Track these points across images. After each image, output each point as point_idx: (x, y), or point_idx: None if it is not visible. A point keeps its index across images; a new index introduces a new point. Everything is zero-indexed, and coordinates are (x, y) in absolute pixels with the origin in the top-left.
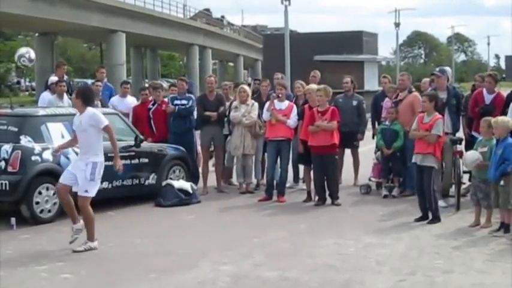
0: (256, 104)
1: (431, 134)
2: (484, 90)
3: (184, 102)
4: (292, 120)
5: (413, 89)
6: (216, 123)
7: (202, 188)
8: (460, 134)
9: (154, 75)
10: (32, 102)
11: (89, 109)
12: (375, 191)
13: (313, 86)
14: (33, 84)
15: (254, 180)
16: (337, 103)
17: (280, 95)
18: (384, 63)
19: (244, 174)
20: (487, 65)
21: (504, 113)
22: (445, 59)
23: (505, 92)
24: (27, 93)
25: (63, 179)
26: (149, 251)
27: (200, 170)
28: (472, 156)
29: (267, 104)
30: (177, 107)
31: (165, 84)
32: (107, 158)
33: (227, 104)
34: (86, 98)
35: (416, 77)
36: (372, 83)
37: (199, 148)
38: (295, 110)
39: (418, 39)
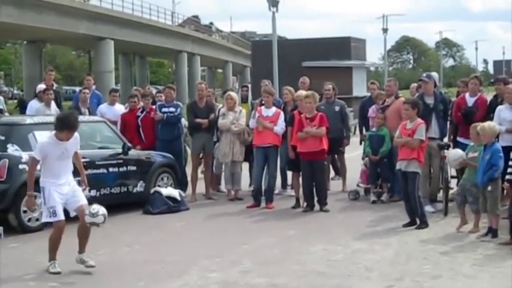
0: (244, 111)
1: (413, 139)
2: (467, 95)
3: (172, 109)
4: (279, 126)
5: (400, 95)
6: (207, 130)
7: (191, 195)
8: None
9: (143, 82)
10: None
11: (75, 134)
12: (363, 197)
13: (302, 93)
14: (22, 92)
15: (243, 187)
16: (320, 110)
17: (264, 102)
18: (372, 68)
19: (232, 181)
20: (476, 69)
21: (488, 118)
22: (434, 64)
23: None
24: (15, 101)
25: (62, 215)
26: (138, 259)
27: (189, 177)
28: (454, 154)
29: (253, 112)
30: (165, 114)
31: (154, 91)
32: (95, 166)
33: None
34: (69, 125)
35: (405, 82)
36: (360, 89)
37: None
38: (282, 116)
39: (406, 44)
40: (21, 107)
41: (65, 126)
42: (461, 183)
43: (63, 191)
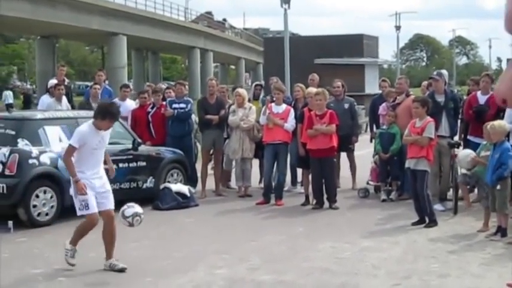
0: (253, 108)
1: (422, 137)
2: (478, 93)
3: (182, 105)
4: (290, 123)
5: (411, 93)
6: (217, 127)
7: (201, 191)
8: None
9: (156, 78)
10: (33, 105)
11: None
12: (373, 195)
13: (313, 90)
14: (35, 87)
15: (252, 184)
16: (329, 108)
17: (276, 99)
18: (385, 66)
19: (243, 178)
20: (489, 68)
21: (499, 116)
22: (447, 62)
23: None
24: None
25: (95, 207)
26: (146, 255)
27: (199, 173)
28: (463, 154)
29: (263, 108)
30: (175, 110)
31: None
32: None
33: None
34: (112, 114)
35: (418, 80)
36: (372, 86)
37: None
38: (292, 113)
39: (419, 42)
40: (26, 102)
41: (108, 114)
42: (479, 183)
43: (95, 184)
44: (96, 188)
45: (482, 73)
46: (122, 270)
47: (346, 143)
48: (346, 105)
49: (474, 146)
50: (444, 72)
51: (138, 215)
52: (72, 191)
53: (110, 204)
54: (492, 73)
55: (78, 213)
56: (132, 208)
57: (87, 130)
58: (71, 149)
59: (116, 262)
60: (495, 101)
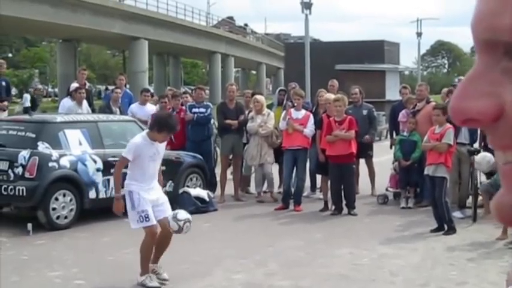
0: (272, 114)
1: (441, 143)
2: None
3: (202, 110)
4: (309, 129)
5: (432, 99)
6: (237, 132)
7: (220, 196)
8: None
9: (177, 83)
10: (54, 108)
11: None
12: (392, 201)
13: (331, 96)
14: (56, 90)
15: (276, 189)
16: (347, 114)
17: (295, 104)
18: (406, 72)
19: (266, 183)
20: None
21: None
22: (469, 69)
23: None
24: (49, 99)
25: (154, 219)
26: (164, 259)
27: (218, 178)
28: (481, 155)
29: (283, 114)
30: (195, 115)
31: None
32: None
33: (246, 112)
34: (170, 127)
35: (439, 87)
36: (393, 93)
37: None
38: (311, 119)
39: (441, 48)
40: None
41: (165, 127)
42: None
43: (152, 196)
44: (153, 200)
45: None
46: (163, 280)
47: (365, 150)
48: (365, 112)
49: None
50: None
51: (189, 221)
52: (128, 204)
53: (168, 212)
54: None
55: (136, 226)
56: (185, 213)
57: (141, 142)
58: (122, 161)
59: (161, 270)
60: None
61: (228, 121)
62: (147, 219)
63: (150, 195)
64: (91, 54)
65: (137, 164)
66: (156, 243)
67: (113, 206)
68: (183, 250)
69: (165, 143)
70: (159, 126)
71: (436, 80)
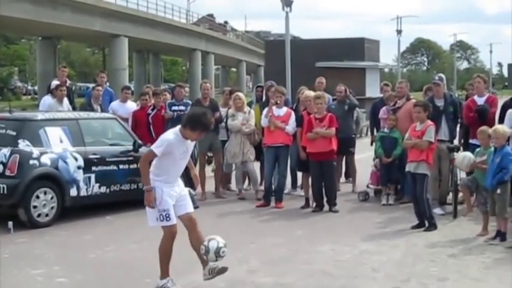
0: (252, 112)
1: (422, 141)
2: (475, 96)
3: (182, 108)
4: (291, 126)
5: (412, 97)
6: (212, 129)
7: (201, 194)
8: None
9: (157, 80)
10: (34, 106)
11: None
12: (373, 198)
13: (311, 93)
14: (36, 88)
15: (252, 186)
16: (330, 110)
17: (278, 102)
18: (386, 70)
19: (251, 181)
20: (490, 72)
21: (501, 120)
22: (448, 67)
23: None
24: (29, 96)
25: (175, 219)
26: (146, 256)
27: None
28: (461, 155)
29: (265, 111)
30: (175, 112)
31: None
32: (106, 163)
33: (224, 110)
34: (205, 126)
35: (418, 84)
36: (373, 90)
37: None
38: (293, 116)
39: (421, 46)
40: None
41: (199, 126)
42: (478, 189)
43: (175, 191)
44: (175, 195)
45: (474, 75)
46: (222, 270)
47: (347, 146)
48: (346, 107)
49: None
50: (443, 76)
51: (221, 248)
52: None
53: (190, 207)
54: (482, 74)
55: (154, 223)
56: (214, 241)
57: (174, 139)
58: (151, 155)
59: (214, 265)
60: (495, 100)
61: None
62: (168, 218)
63: (173, 190)
64: (71, 51)
65: (166, 161)
66: (193, 246)
67: (144, 198)
68: None
69: (194, 142)
70: (192, 124)
71: (416, 78)
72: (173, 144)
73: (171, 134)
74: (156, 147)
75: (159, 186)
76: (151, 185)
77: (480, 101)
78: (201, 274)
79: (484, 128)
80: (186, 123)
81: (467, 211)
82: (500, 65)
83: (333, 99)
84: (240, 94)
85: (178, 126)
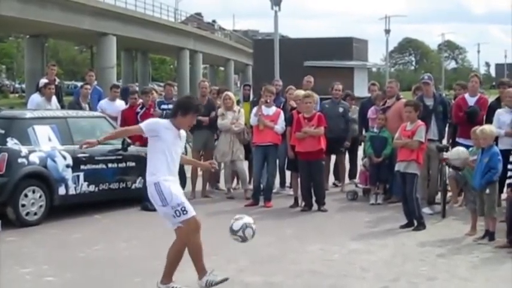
0: (242, 110)
1: (413, 141)
2: (466, 95)
3: (171, 106)
4: (280, 125)
5: (401, 96)
6: (208, 128)
7: (190, 192)
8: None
9: (145, 79)
10: (22, 104)
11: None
12: (361, 197)
13: (301, 92)
14: (23, 86)
15: (241, 185)
16: (324, 109)
17: (268, 101)
18: (374, 69)
19: (240, 180)
20: (478, 72)
21: (489, 120)
22: (436, 66)
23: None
24: (17, 95)
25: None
26: (135, 255)
27: (188, 174)
28: (457, 150)
29: (254, 109)
30: (164, 111)
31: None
32: (94, 162)
33: None
34: (193, 107)
35: (407, 83)
36: (361, 90)
37: None
38: (282, 115)
39: (408, 46)
40: None
41: (190, 108)
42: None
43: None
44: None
45: (471, 73)
46: (222, 281)
47: (338, 146)
48: (341, 110)
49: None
50: (431, 76)
51: (249, 226)
52: (157, 200)
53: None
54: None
55: (174, 222)
56: (241, 220)
57: (162, 122)
58: (136, 129)
59: (215, 274)
60: (485, 103)
61: (199, 117)
62: (185, 211)
63: (177, 184)
64: (58, 50)
65: (158, 153)
66: (169, 256)
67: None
68: (154, 246)
69: (185, 134)
70: (183, 109)
71: (404, 77)
72: (160, 125)
73: (163, 121)
74: (143, 124)
75: (162, 182)
76: (101, 141)
77: (471, 100)
78: (188, 273)
79: (475, 128)
80: (176, 110)
81: (453, 200)
82: (487, 64)
83: (321, 100)
84: (230, 93)
85: (167, 120)
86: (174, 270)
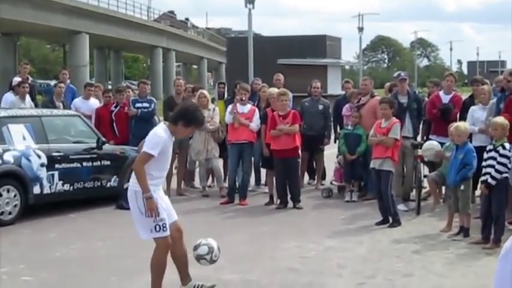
0: (217, 109)
1: (388, 138)
2: (441, 92)
3: (146, 105)
4: (255, 123)
5: (376, 93)
6: None
7: (165, 191)
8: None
9: (118, 77)
10: None
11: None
12: (336, 195)
13: (275, 90)
14: None
15: (216, 183)
16: (303, 107)
17: (243, 99)
18: (347, 67)
19: (216, 178)
20: (450, 70)
21: (463, 117)
22: (408, 64)
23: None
24: None
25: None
26: (110, 254)
27: None
28: (429, 143)
29: (229, 107)
30: (139, 110)
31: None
32: (69, 160)
33: None
34: (198, 121)
35: (379, 81)
36: (334, 87)
37: None
38: (257, 113)
39: (381, 43)
40: None
41: (193, 121)
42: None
43: (164, 198)
44: (164, 200)
45: (446, 72)
46: None
47: (317, 143)
48: (321, 107)
49: None
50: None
51: (211, 252)
52: (137, 207)
53: (175, 214)
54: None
55: (149, 235)
56: (205, 246)
57: (166, 136)
58: (147, 158)
59: (200, 284)
60: (459, 101)
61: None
62: (165, 229)
63: (162, 195)
64: (31, 48)
65: (157, 160)
66: (174, 260)
67: (146, 207)
68: (130, 245)
69: (173, 139)
70: (186, 120)
71: (376, 75)
72: (167, 143)
73: (162, 132)
74: (150, 149)
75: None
76: (151, 192)
77: (445, 98)
78: (166, 271)
79: (452, 124)
80: (178, 118)
81: (435, 204)
82: (460, 62)
83: (302, 96)
84: (205, 92)
85: (163, 123)
86: (186, 269)
